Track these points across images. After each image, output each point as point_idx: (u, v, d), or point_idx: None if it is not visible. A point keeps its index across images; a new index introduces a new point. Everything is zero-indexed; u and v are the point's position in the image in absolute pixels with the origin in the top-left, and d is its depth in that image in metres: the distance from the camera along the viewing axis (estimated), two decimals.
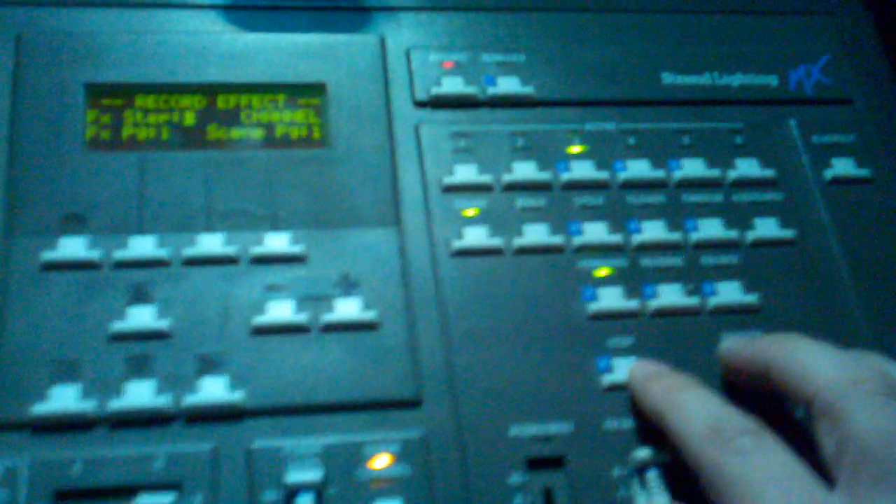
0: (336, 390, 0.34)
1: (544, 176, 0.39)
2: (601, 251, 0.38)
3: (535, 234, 0.38)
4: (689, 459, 0.31)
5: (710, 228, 0.39)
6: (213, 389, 0.34)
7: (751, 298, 0.37)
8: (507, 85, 0.42)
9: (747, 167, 0.41)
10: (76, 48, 0.39)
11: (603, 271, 0.38)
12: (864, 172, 0.41)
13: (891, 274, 0.39)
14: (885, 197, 0.41)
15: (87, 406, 0.33)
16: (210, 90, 0.40)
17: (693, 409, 0.31)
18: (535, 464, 0.33)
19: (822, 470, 0.29)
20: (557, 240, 0.38)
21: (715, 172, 0.40)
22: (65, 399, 0.33)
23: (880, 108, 0.44)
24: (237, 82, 0.40)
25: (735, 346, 0.35)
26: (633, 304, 0.37)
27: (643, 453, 0.34)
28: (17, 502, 0.31)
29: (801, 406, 0.31)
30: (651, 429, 0.34)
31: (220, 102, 0.40)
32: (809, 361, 0.30)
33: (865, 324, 0.38)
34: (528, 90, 0.41)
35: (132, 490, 0.31)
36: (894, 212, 0.41)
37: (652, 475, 0.33)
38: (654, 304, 0.37)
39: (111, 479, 0.32)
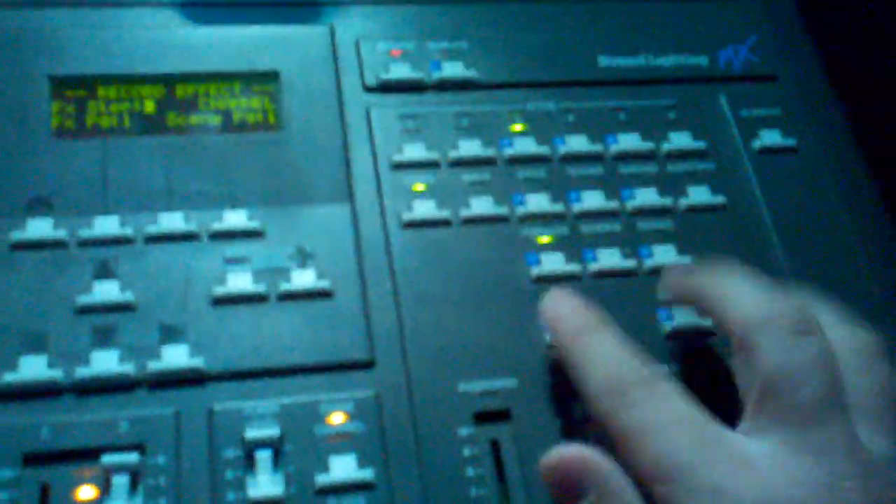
0: (293, 354, 0.36)
1: (488, 152, 0.41)
2: (544, 220, 0.40)
3: (481, 205, 0.40)
4: (592, 414, 0.31)
5: (646, 196, 0.41)
6: (175, 356, 0.35)
7: (684, 260, 0.40)
8: (452, 69, 0.44)
9: (680, 139, 0.43)
10: (40, 44, 0.41)
11: (545, 238, 0.40)
12: (789, 142, 0.44)
13: (814, 236, 0.42)
14: (808, 165, 0.44)
15: (55, 374, 0.34)
16: (169, 80, 0.42)
17: (593, 362, 0.32)
18: (483, 417, 0.35)
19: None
20: (502, 210, 0.40)
21: (649, 145, 0.43)
22: (34, 368, 0.34)
23: (803, 84, 0.47)
24: (195, 72, 0.42)
25: (674, 275, 0.36)
26: (574, 267, 0.39)
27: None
28: None
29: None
30: None
31: (179, 91, 0.42)
32: (733, 297, 0.31)
33: (790, 283, 0.40)
34: (472, 74, 0.44)
35: (97, 452, 0.33)
36: (817, 178, 0.44)
37: None
38: (593, 266, 0.39)
39: (77, 441, 0.33)
